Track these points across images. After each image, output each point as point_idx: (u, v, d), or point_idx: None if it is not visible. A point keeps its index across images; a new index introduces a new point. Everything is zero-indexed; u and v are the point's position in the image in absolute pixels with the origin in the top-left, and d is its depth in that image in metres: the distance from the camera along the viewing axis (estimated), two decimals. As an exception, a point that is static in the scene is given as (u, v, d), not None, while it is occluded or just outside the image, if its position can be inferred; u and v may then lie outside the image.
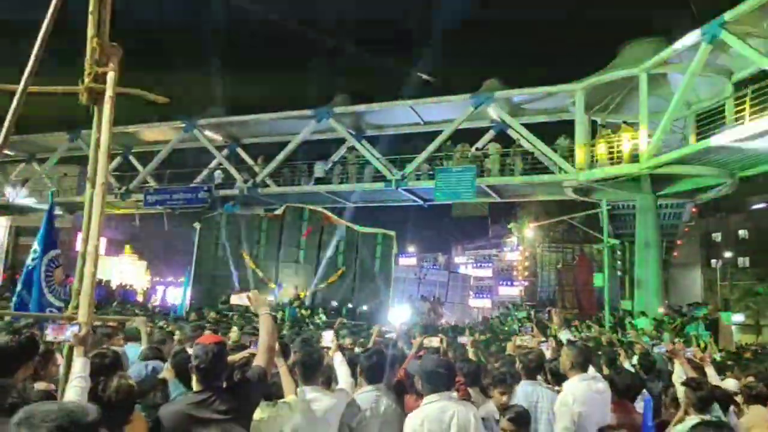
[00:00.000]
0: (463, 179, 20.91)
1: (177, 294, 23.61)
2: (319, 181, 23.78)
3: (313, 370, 3.88)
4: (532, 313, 21.24)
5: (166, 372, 4.21)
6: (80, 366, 3.00)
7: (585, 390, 4.21)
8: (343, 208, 25.35)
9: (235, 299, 19.71)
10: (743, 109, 15.58)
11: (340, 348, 4.97)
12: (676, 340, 12.53)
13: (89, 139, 3.82)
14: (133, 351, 5.38)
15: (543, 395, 4.54)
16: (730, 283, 42.03)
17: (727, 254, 43.05)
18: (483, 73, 22.10)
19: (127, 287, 25.51)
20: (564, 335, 6.02)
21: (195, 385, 3.07)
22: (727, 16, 15.10)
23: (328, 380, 4.38)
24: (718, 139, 15.88)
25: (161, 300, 25.05)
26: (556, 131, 21.38)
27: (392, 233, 23.47)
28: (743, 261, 42.94)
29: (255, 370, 3.22)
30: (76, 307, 3.38)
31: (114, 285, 25.39)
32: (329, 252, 22.39)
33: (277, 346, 3.58)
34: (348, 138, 23.53)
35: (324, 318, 18.53)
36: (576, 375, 4.31)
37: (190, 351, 3.53)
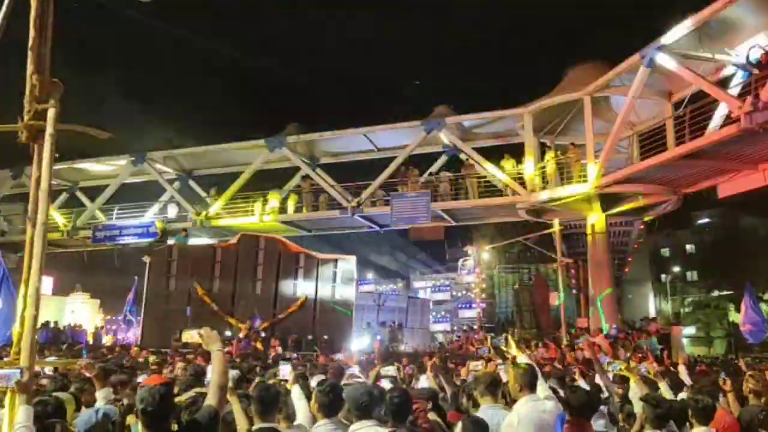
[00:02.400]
0: (418, 204, 21.08)
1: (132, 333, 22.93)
2: (274, 210, 23.55)
3: (270, 406, 3.78)
4: (489, 337, 21.36)
5: (131, 417, 4.08)
6: (24, 415, 2.88)
7: (531, 410, 4.23)
8: (300, 237, 25.16)
9: (187, 336, 19.20)
10: (683, 129, 16.24)
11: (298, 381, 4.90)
12: (628, 355, 12.78)
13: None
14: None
15: (504, 417, 4.54)
16: (680, 297, 43.24)
17: (676, 269, 44.40)
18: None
19: (76, 327, 24.58)
20: (522, 360, 6.06)
21: (141, 431, 2.93)
22: (664, 39, 15.75)
23: (288, 415, 4.29)
24: (656, 160, 16.49)
25: (117, 340, 24.17)
26: (508, 154, 21.76)
27: (352, 258, 23.33)
28: (691, 275, 44.31)
29: (206, 410, 3.09)
30: (18, 352, 3.25)
31: (62, 326, 24.45)
32: (287, 281, 22.08)
33: (230, 383, 3.50)
34: (302, 166, 23.47)
35: (279, 350, 18.19)
36: (524, 396, 4.34)
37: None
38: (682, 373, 6.74)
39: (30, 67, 3.70)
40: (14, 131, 3.73)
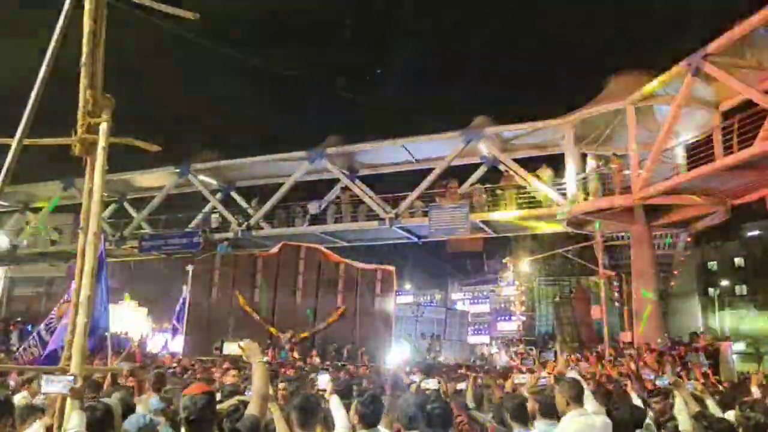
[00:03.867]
0: (456, 216, 20.97)
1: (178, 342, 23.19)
2: (313, 220, 23.76)
3: (311, 415, 3.81)
4: (534, 349, 21.06)
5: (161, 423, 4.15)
6: (77, 420, 2.96)
7: (580, 426, 4.14)
8: (339, 247, 25.30)
9: (228, 347, 19.48)
10: (731, 139, 15.79)
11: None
12: (678, 369, 12.44)
13: (83, 188, 3.84)
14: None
15: None
16: (728, 311, 41.83)
17: (724, 282, 42.96)
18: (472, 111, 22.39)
19: (122, 335, 25.09)
20: (569, 374, 5.95)
21: None
22: (711, 47, 15.39)
23: (326, 425, 4.31)
24: (702, 170, 16.04)
25: (163, 348, 24.55)
26: (546, 164, 21.47)
27: (392, 269, 23.32)
28: (740, 289, 42.83)
29: (248, 419, 3.13)
30: (69, 359, 3.35)
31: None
32: (328, 290, 22.19)
33: (270, 391, 3.54)
34: (341, 178, 23.63)
35: (317, 360, 18.29)
36: (573, 411, 4.25)
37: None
38: (756, 395, 6.45)
39: (83, 82, 3.83)
40: (68, 144, 3.87)
